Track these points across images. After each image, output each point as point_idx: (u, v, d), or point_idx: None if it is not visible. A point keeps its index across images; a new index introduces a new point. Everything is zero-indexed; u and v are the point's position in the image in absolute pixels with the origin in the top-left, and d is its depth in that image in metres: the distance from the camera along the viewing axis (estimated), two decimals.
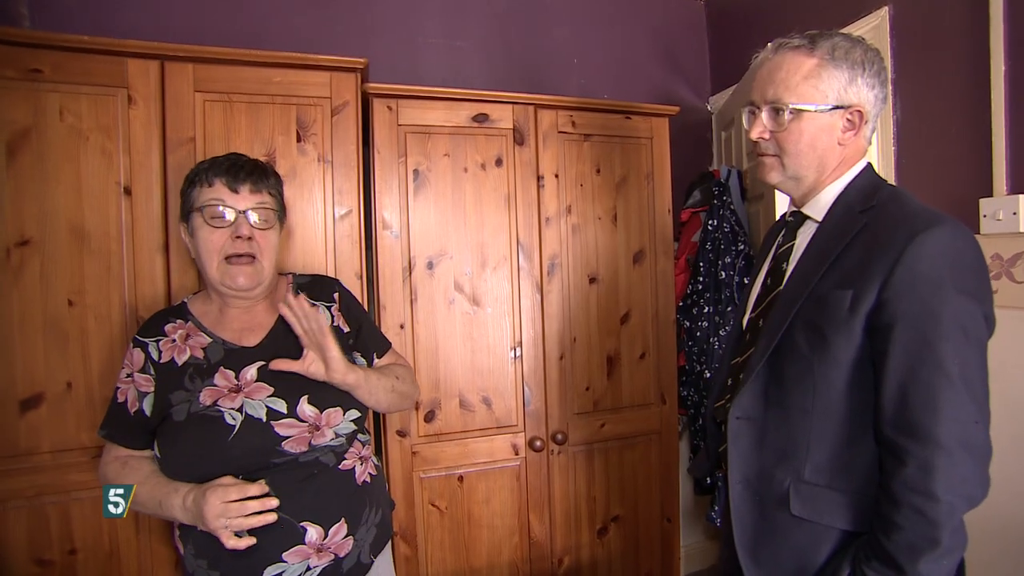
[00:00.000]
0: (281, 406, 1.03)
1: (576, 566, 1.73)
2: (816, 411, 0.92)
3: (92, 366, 1.31)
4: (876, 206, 0.92)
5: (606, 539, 1.77)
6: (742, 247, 1.88)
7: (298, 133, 1.43)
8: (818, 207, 1.00)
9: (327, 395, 1.06)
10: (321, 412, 1.05)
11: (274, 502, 0.96)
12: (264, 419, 1.01)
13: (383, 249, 1.54)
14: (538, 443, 1.65)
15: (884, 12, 1.61)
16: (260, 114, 1.40)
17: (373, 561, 1.13)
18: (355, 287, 1.45)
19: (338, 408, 1.07)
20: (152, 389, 1.04)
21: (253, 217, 1.08)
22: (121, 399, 1.05)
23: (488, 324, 1.63)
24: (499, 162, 1.63)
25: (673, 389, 1.83)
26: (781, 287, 1.01)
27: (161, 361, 1.05)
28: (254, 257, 1.07)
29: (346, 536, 1.05)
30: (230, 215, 1.06)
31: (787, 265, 1.03)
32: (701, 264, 1.99)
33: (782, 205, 1.69)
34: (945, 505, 0.79)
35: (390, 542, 1.23)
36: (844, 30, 1.74)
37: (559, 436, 1.67)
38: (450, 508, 1.60)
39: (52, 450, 1.28)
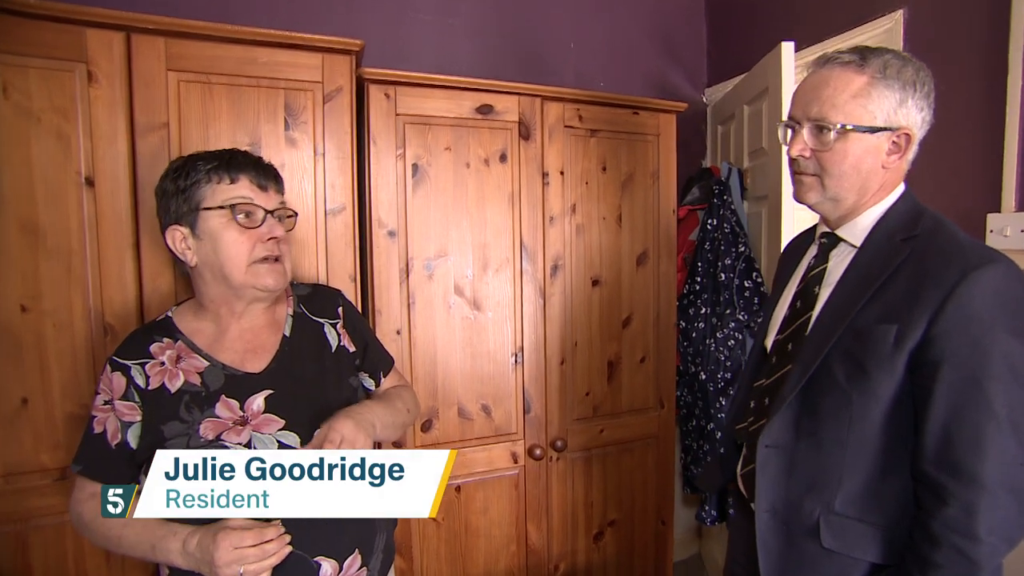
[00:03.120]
0: (294, 441, 0.94)
1: (572, 571, 1.71)
2: (851, 443, 0.89)
3: (52, 379, 1.17)
4: (919, 235, 0.89)
5: (602, 543, 1.75)
6: (743, 249, 1.85)
7: (286, 121, 1.29)
8: (855, 231, 0.96)
9: None
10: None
11: (287, 538, 0.88)
12: None
13: (379, 249, 1.43)
14: (538, 451, 1.60)
15: (899, 15, 1.57)
16: (243, 98, 1.26)
17: None
18: (348, 290, 1.34)
19: None
20: (139, 419, 0.92)
21: (278, 218, 1.00)
22: (98, 429, 0.92)
23: (489, 329, 1.55)
24: (503, 157, 1.53)
25: (672, 393, 1.81)
26: (813, 312, 0.98)
27: (149, 388, 0.92)
28: (278, 258, 0.98)
29: (360, 567, 0.98)
30: (259, 215, 0.95)
31: (819, 289, 0.99)
32: (699, 264, 1.96)
33: (788, 208, 1.66)
34: (987, 547, 0.78)
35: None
36: (855, 31, 1.71)
37: (559, 443, 1.63)
38: (447, 519, 1.54)
39: (6, 473, 1.14)
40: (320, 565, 0.92)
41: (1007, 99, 1.34)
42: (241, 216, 0.94)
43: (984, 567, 0.78)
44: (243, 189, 0.95)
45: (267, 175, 0.99)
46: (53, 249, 1.15)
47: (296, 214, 1.07)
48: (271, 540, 0.84)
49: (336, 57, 1.32)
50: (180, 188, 0.95)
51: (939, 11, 1.50)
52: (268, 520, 0.89)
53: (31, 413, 1.15)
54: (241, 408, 0.94)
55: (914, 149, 0.92)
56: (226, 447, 0.90)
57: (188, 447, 0.89)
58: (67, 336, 1.17)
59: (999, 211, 1.37)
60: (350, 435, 0.90)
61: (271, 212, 0.98)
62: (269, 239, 0.96)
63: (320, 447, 0.88)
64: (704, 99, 2.45)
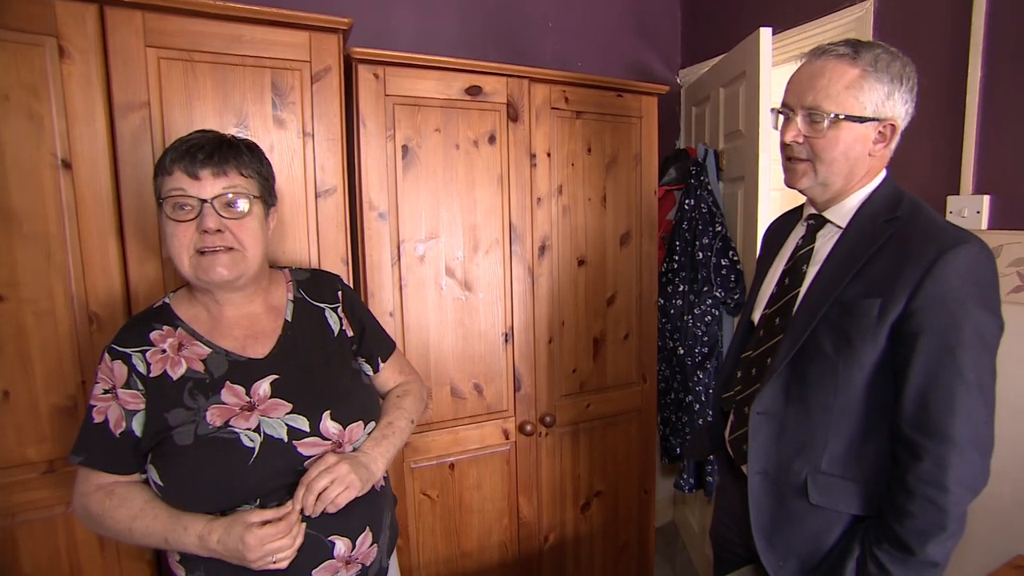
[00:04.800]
0: (303, 424, 0.94)
1: (561, 541, 1.78)
2: (836, 408, 0.97)
3: (34, 369, 1.13)
4: (900, 217, 0.96)
5: (589, 514, 1.83)
6: (719, 228, 1.92)
7: (274, 101, 1.26)
8: (841, 213, 1.02)
9: (351, 408, 0.99)
10: (344, 428, 0.97)
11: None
12: (285, 439, 0.92)
13: (370, 232, 1.42)
14: (528, 427, 1.64)
15: (869, 4, 1.64)
16: (228, 77, 1.21)
17: (388, 564, 1.10)
18: (341, 273, 1.33)
19: (360, 422, 1.00)
20: (143, 406, 0.90)
21: (219, 207, 0.91)
22: (98, 419, 0.90)
23: (480, 309, 1.57)
24: (492, 139, 1.53)
25: (653, 368, 1.88)
26: (801, 288, 1.04)
27: (151, 375, 0.91)
28: (231, 248, 0.93)
29: (371, 544, 1.00)
30: (193, 206, 0.90)
31: (807, 267, 1.06)
32: (677, 243, 2.02)
33: (765, 189, 1.73)
34: (955, 496, 0.87)
35: None
36: (827, 18, 1.78)
37: (548, 419, 1.68)
38: (441, 496, 1.57)
39: None
40: (334, 544, 0.94)
41: (967, 88, 1.43)
42: (169, 209, 0.90)
43: (951, 514, 0.87)
44: (176, 180, 0.90)
45: (197, 161, 0.89)
46: (30, 235, 1.10)
47: (251, 194, 0.95)
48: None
49: (324, 36, 1.28)
50: (154, 178, 0.93)
51: (906, 2, 1.57)
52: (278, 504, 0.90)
53: (13, 406, 1.11)
54: (247, 394, 0.93)
55: (897, 139, 0.99)
56: (235, 432, 0.90)
57: (196, 434, 0.89)
58: (49, 325, 1.13)
59: (958, 193, 1.47)
60: (343, 475, 0.91)
61: (210, 200, 0.90)
62: (204, 231, 0.90)
63: (312, 480, 0.89)
64: (678, 80, 2.49)
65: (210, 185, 0.90)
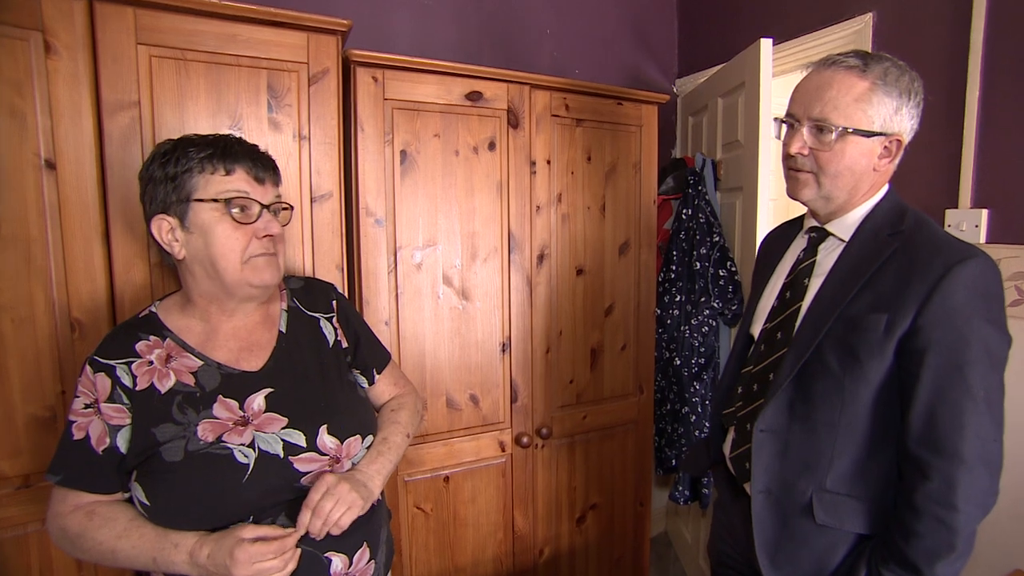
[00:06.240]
0: (299, 439, 0.90)
1: (556, 555, 1.75)
2: (842, 425, 0.95)
3: (11, 379, 1.07)
4: (904, 231, 0.94)
5: (584, 527, 1.80)
6: (717, 238, 1.91)
7: (269, 103, 1.22)
8: (844, 226, 1.01)
9: (348, 421, 0.95)
10: (342, 443, 0.93)
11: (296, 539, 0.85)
12: (281, 455, 0.88)
13: (366, 238, 1.39)
14: (524, 439, 1.61)
15: (868, 18, 1.64)
16: (223, 77, 1.17)
17: None
18: (336, 280, 1.30)
19: (358, 436, 0.96)
20: (128, 421, 0.85)
21: (274, 213, 0.95)
22: (79, 435, 0.85)
23: (477, 319, 1.54)
24: (492, 146, 1.51)
25: (650, 379, 1.86)
26: (803, 302, 1.02)
27: (137, 388, 0.86)
28: (275, 254, 0.94)
29: (369, 560, 0.97)
30: (254, 210, 0.90)
31: (809, 281, 1.04)
32: (674, 253, 2.01)
33: (764, 199, 1.73)
34: (964, 515, 0.85)
35: None
36: (826, 30, 1.78)
37: (544, 431, 1.65)
38: (435, 510, 1.53)
39: None
40: (331, 561, 0.90)
41: (965, 102, 1.44)
42: (236, 210, 0.88)
43: (961, 533, 0.85)
44: (239, 182, 0.89)
45: (264, 166, 0.93)
46: (9, 238, 1.05)
47: (292, 207, 1.02)
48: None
49: (322, 37, 1.25)
50: (169, 175, 0.87)
51: (905, 16, 1.58)
52: (272, 522, 0.87)
53: None
54: (241, 408, 0.89)
55: (902, 154, 0.97)
56: (228, 448, 0.86)
57: (186, 450, 0.85)
58: (28, 332, 1.08)
59: (956, 207, 1.48)
60: (345, 496, 0.88)
61: (267, 206, 0.93)
62: (265, 236, 0.91)
63: (318, 503, 0.86)
64: (674, 89, 2.49)
65: (270, 191, 0.94)
